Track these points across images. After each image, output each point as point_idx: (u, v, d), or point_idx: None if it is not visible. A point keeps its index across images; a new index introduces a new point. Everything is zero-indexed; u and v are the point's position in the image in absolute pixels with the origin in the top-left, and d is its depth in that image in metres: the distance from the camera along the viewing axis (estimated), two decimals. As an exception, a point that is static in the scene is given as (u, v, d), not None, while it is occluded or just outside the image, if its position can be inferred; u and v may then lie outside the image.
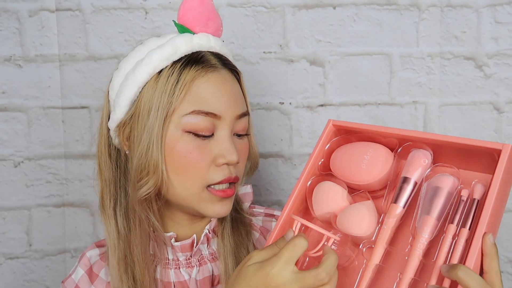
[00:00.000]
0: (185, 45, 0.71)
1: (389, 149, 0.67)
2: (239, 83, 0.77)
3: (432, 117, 1.15)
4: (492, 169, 0.57)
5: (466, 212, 0.59)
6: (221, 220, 0.79)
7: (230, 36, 1.13)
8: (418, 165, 0.63)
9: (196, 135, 0.69)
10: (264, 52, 1.14)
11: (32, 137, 1.15)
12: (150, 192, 0.70)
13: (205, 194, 0.71)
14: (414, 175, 0.63)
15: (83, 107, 1.15)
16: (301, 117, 1.15)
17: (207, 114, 0.69)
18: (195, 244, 0.76)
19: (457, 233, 0.58)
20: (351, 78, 1.14)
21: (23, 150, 1.15)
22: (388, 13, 1.13)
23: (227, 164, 0.71)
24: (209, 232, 0.78)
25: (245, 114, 0.75)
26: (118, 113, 0.73)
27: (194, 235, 0.76)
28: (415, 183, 0.63)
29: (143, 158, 0.69)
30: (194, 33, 0.73)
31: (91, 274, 0.78)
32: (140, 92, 0.71)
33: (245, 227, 0.80)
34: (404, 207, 0.62)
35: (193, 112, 0.69)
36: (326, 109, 1.15)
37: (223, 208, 0.72)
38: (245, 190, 0.85)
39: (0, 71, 1.13)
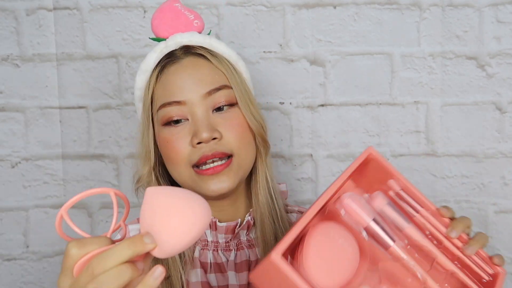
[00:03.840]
0: (154, 53, 0.80)
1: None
2: (212, 63, 0.78)
3: (434, 117, 1.14)
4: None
5: (407, 203, 0.64)
6: (260, 210, 0.81)
7: (230, 35, 1.12)
8: (358, 209, 0.60)
9: (170, 124, 0.76)
10: (264, 51, 1.13)
11: (29, 137, 1.14)
12: (147, 178, 0.80)
13: (194, 176, 0.75)
14: (367, 219, 0.60)
15: (80, 107, 1.14)
16: (301, 117, 1.14)
17: (171, 104, 0.75)
18: (237, 227, 0.80)
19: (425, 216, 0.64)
20: (351, 78, 1.13)
21: (21, 150, 1.14)
22: (389, 13, 1.12)
23: (203, 142, 0.73)
24: (250, 219, 0.81)
25: (219, 88, 0.76)
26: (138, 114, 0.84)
27: (239, 219, 0.80)
28: (375, 221, 0.60)
29: (142, 149, 0.80)
30: (166, 39, 0.80)
31: None
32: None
33: (283, 220, 0.82)
34: (394, 242, 0.60)
35: (161, 107, 0.76)
36: (326, 109, 1.14)
37: (219, 185, 0.74)
38: (281, 189, 0.87)
39: (-3, 71, 1.12)
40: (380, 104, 1.14)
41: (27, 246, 1.16)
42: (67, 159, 1.15)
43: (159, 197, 0.49)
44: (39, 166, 1.15)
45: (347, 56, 1.13)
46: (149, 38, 0.85)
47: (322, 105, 1.14)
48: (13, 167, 1.14)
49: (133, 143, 1.15)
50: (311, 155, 1.15)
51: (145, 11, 1.12)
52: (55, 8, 1.12)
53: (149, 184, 0.80)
